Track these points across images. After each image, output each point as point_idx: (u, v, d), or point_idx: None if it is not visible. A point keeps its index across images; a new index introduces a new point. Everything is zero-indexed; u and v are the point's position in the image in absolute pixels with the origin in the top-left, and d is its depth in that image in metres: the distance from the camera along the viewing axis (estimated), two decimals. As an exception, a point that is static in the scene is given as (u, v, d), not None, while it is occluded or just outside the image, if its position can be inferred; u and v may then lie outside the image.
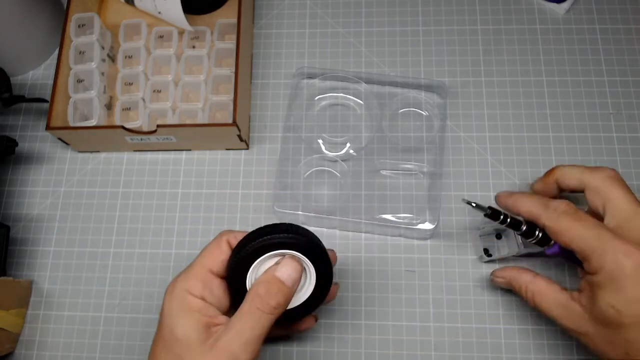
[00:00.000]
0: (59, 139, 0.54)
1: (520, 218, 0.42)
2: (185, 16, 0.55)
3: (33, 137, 0.59)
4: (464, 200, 0.42)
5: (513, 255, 0.50)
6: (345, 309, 0.50)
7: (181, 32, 0.58)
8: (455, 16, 0.61)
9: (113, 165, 0.57)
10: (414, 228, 0.51)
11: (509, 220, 0.42)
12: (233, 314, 0.36)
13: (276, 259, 0.38)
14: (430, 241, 0.52)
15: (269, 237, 0.37)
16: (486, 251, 0.50)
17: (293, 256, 0.37)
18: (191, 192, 0.56)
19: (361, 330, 0.50)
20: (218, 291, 0.38)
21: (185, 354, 0.34)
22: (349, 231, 0.53)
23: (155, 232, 0.54)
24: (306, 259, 0.38)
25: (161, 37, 0.58)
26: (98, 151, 0.58)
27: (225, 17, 0.59)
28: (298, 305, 0.40)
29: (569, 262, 0.43)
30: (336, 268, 0.51)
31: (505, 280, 0.45)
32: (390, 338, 0.49)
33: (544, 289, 0.41)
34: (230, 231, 0.40)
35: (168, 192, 0.56)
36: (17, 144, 0.55)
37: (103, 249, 0.54)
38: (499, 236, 0.50)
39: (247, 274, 0.37)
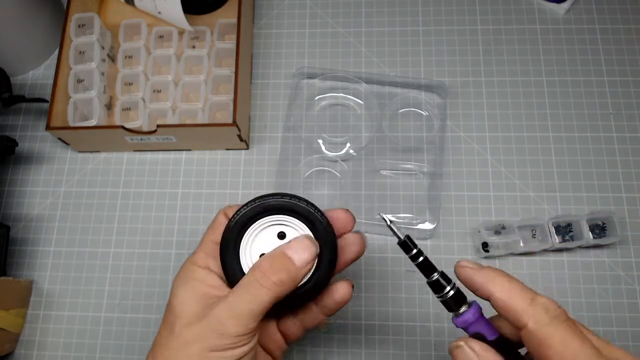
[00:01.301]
0: (59, 139, 0.54)
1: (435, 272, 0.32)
2: (185, 16, 0.55)
3: (33, 137, 0.59)
4: (380, 214, 0.36)
5: (512, 253, 0.50)
6: (345, 309, 0.50)
7: (181, 32, 0.58)
8: (455, 16, 0.61)
9: (113, 165, 0.57)
10: (414, 228, 0.51)
11: (421, 259, 0.32)
12: None
13: (275, 231, 0.35)
14: (430, 241, 0.52)
15: (260, 200, 0.34)
16: (484, 245, 0.50)
17: (308, 236, 0.34)
18: (191, 192, 0.56)
19: (361, 330, 0.50)
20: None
21: (176, 321, 0.32)
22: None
23: (155, 232, 0.54)
24: (305, 227, 0.35)
25: (161, 37, 0.58)
26: (98, 151, 0.58)
27: (225, 17, 0.59)
28: (302, 284, 0.35)
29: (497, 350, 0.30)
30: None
31: None
32: (390, 338, 0.49)
33: None
34: (232, 205, 0.37)
35: (168, 192, 0.56)
36: (17, 144, 0.55)
37: (103, 249, 0.54)
38: (498, 232, 0.50)
39: (240, 244, 0.34)
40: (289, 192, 0.35)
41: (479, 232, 0.50)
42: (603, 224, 0.50)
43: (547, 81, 0.57)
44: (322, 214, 0.35)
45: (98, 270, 0.54)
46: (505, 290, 0.29)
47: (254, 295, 0.32)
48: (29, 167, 0.58)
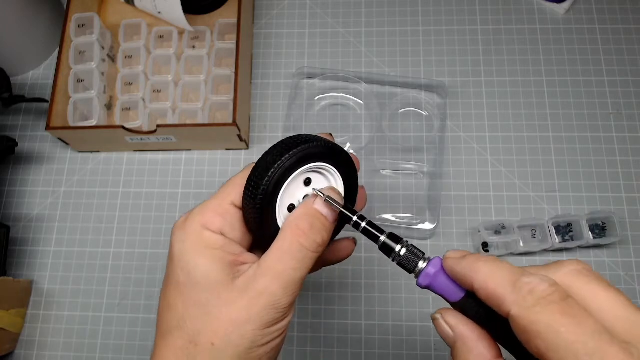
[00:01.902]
0: (59, 139, 0.54)
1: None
2: (185, 16, 0.55)
3: (33, 137, 0.59)
4: (314, 190, 0.31)
5: (512, 253, 0.50)
6: (345, 309, 0.50)
7: (181, 32, 0.58)
8: (455, 16, 0.61)
9: (113, 165, 0.57)
10: (414, 228, 0.51)
11: (363, 224, 0.30)
12: (260, 251, 0.30)
13: (303, 178, 0.31)
14: (430, 241, 0.52)
15: (297, 150, 0.29)
16: (484, 245, 0.50)
17: (332, 188, 0.31)
18: (191, 192, 0.56)
19: (361, 330, 0.50)
20: (240, 225, 0.31)
21: (211, 299, 0.28)
22: (348, 232, 0.53)
23: (155, 232, 0.54)
24: (333, 169, 0.32)
25: (161, 37, 0.58)
26: (98, 151, 0.58)
27: (225, 17, 0.59)
28: None
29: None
30: (337, 266, 0.51)
31: (450, 337, 0.26)
32: (390, 338, 0.49)
33: None
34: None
35: (168, 192, 0.56)
36: (17, 144, 0.55)
37: (103, 249, 0.54)
38: (498, 232, 0.50)
39: (276, 200, 0.30)
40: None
41: (479, 232, 0.50)
42: (603, 224, 0.50)
43: (547, 81, 0.57)
44: (346, 154, 0.32)
45: (98, 270, 0.54)
46: (486, 275, 0.24)
47: (300, 262, 0.29)
48: (29, 167, 0.58)
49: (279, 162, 0.29)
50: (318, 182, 0.32)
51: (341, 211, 0.30)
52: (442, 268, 0.27)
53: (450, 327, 0.26)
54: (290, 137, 0.30)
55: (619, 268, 0.50)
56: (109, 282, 0.53)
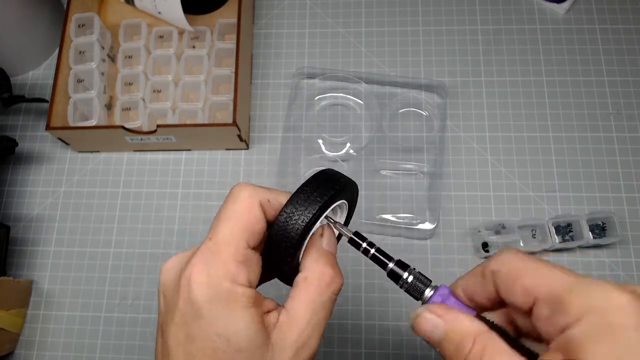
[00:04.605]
0: (59, 139, 0.54)
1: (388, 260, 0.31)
2: (185, 16, 0.55)
3: (33, 137, 0.59)
4: (327, 218, 0.31)
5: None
6: (345, 309, 0.50)
7: (181, 32, 0.58)
8: (455, 16, 0.61)
9: (113, 165, 0.57)
10: (414, 228, 0.51)
11: (372, 251, 0.31)
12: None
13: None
14: (430, 241, 0.52)
15: (326, 200, 0.29)
16: (484, 245, 0.50)
17: (329, 225, 0.32)
18: (191, 192, 0.56)
19: (361, 330, 0.50)
20: (258, 269, 0.28)
21: None
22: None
23: (155, 232, 0.54)
24: (346, 203, 0.33)
25: (161, 37, 0.58)
26: (98, 151, 0.58)
27: (225, 17, 0.59)
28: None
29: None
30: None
31: (440, 327, 0.26)
32: (390, 338, 0.49)
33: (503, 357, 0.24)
34: (253, 187, 0.29)
35: (168, 192, 0.56)
36: (17, 144, 0.55)
37: (103, 249, 0.54)
38: (498, 232, 0.50)
39: (303, 246, 0.30)
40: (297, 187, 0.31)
41: (479, 232, 0.50)
42: (603, 224, 0.50)
43: (547, 81, 0.57)
44: (355, 186, 0.33)
45: (98, 270, 0.54)
46: (472, 272, 0.28)
47: (329, 310, 0.28)
48: (29, 167, 0.58)
49: (322, 201, 0.29)
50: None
51: (351, 237, 0.31)
52: (450, 293, 0.28)
53: (439, 316, 0.26)
54: (322, 174, 0.31)
55: (619, 268, 0.50)
56: (109, 282, 0.53)
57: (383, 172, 0.55)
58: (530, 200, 0.53)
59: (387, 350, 0.49)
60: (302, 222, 0.29)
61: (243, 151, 0.57)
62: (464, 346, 0.24)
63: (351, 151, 0.55)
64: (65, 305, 0.53)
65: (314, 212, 0.29)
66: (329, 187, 0.30)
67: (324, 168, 0.31)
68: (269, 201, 0.29)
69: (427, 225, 0.51)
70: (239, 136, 0.53)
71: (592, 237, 0.49)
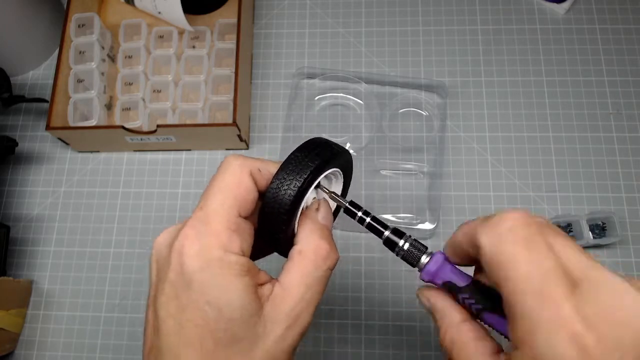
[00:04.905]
0: (59, 139, 0.54)
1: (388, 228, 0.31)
2: (185, 16, 0.55)
3: (33, 137, 0.59)
4: (321, 187, 0.31)
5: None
6: (345, 309, 0.50)
7: (181, 32, 0.58)
8: (455, 16, 0.61)
9: (113, 165, 0.57)
10: (414, 228, 0.51)
11: (368, 220, 0.31)
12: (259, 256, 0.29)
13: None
14: (430, 241, 0.52)
15: (318, 164, 0.29)
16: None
17: (325, 199, 0.31)
18: (191, 192, 0.56)
19: (361, 330, 0.50)
20: (250, 238, 0.28)
21: (248, 334, 0.26)
22: (349, 231, 0.53)
23: (155, 232, 0.54)
24: (340, 172, 0.32)
25: (161, 37, 0.58)
26: (98, 151, 0.58)
27: (225, 17, 0.59)
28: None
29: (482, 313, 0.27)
30: (337, 267, 0.51)
31: (427, 307, 0.30)
32: (390, 338, 0.49)
33: (470, 345, 0.26)
34: (243, 158, 0.28)
35: (168, 192, 0.56)
36: (17, 144, 0.55)
37: (103, 249, 0.54)
38: None
39: (297, 214, 0.29)
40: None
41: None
42: (603, 224, 0.50)
43: (547, 81, 0.57)
44: (349, 154, 0.33)
45: (98, 270, 0.54)
46: (464, 226, 0.26)
47: (325, 285, 0.28)
48: (29, 167, 0.58)
49: (313, 166, 0.28)
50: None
51: (346, 207, 0.31)
52: (446, 259, 0.29)
53: (427, 299, 0.29)
54: (312, 142, 0.30)
55: (619, 268, 0.50)
56: (109, 282, 0.53)
57: (383, 172, 0.55)
58: (530, 200, 0.53)
59: (387, 350, 0.49)
60: (294, 186, 0.28)
61: (243, 151, 0.57)
62: (441, 329, 0.28)
63: (351, 151, 0.55)
64: (65, 305, 0.53)
65: (305, 176, 0.28)
66: (321, 153, 0.29)
67: (315, 136, 0.31)
68: (259, 170, 0.28)
69: (427, 225, 0.51)
70: (239, 136, 0.53)
71: (592, 237, 0.49)
